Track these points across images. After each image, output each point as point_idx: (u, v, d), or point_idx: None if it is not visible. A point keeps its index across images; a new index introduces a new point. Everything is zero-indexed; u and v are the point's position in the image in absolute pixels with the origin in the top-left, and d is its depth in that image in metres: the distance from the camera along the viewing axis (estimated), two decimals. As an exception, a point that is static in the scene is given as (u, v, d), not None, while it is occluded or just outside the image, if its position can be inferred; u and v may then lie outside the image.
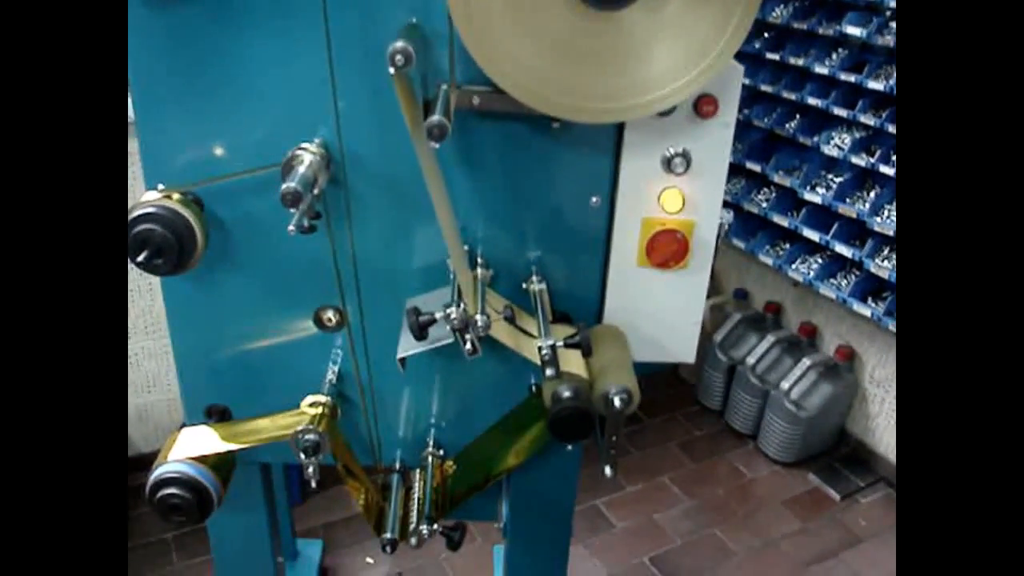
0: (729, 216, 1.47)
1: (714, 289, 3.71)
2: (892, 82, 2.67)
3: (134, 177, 2.13)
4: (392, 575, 2.58)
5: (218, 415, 1.53)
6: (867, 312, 2.83)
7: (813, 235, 2.98)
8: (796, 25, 3.06)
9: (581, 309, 1.49)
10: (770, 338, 3.32)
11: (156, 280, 1.71)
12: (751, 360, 3.32)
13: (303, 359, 1.50)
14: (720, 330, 3.49)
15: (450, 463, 1.60)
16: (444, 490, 1.55)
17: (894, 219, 2.72)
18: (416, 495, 1.55)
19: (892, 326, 2.75)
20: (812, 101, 2.97)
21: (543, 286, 1.42)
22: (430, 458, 1.59)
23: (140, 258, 1.21)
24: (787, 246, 3.22)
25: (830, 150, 2.92)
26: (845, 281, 3.00)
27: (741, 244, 3.34)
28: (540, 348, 1.25)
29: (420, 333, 1.23)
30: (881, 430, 3.18)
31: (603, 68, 1.16)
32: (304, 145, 1.27)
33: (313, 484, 1.39)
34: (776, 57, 3.14)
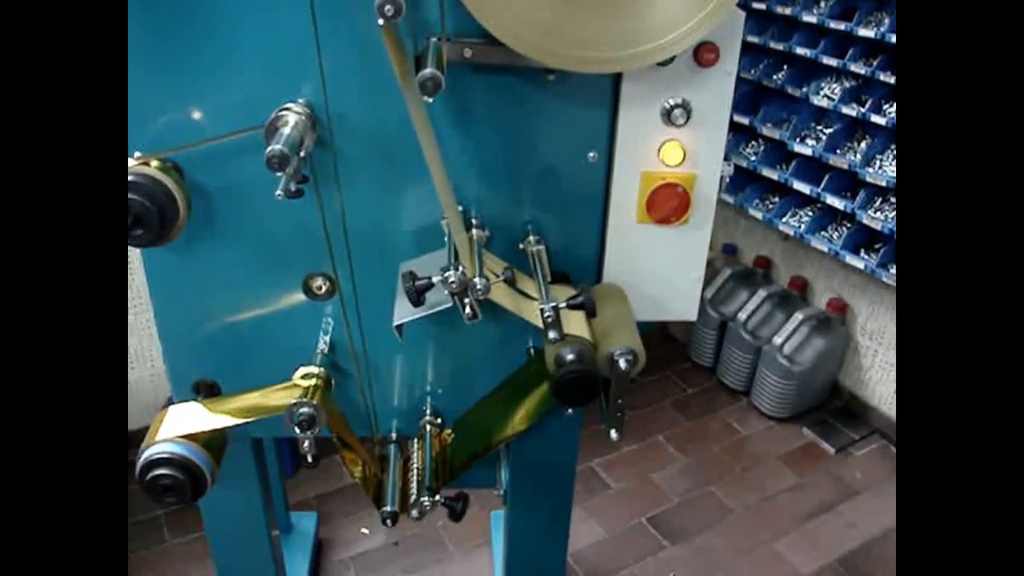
0: (729, 169, 1.41)
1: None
2: (883, 29, 2.62)
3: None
4: (389, 544, 2.55)
5: (206, 390, 1.48)
6: (860, 264, 2.80)
7: (804, 188, 2.94)
8: (783, -27, 3.00)
9: (580, 268, 1.45)
10: (761, 293, 3.29)
11: (136, 252, 1.64)
12: (742, 316, 3.29)
13: (293, 329, 1.45)
14: (710, 286, 3.46)
15: (448, 432, 1.56)
16: (444, 460, 1.51)
17: (887, 169, 2.69)
18: (415, 465, 1.51)
19: (886, 278, 2.73)
20: (800, 51, 2.91)
21: (541, 247, 1.37)
22: (428, 427, 1.55)
23: (119, 229, 1.14)
24: (777, 199, 3.18)
25: (820, 101, 2.87)
26: (836, 233, 2.97)
27: (730, 198, 3.30)
28: (543, 310, 1.20)
29: (417, 299, 1.18)
30: (874, 382, 3.17)
31: (604, 16, 1.11)
32: (288, 105, 1.21)
33: (309, 459, 1.35)
34: (762, 6, 3.07)
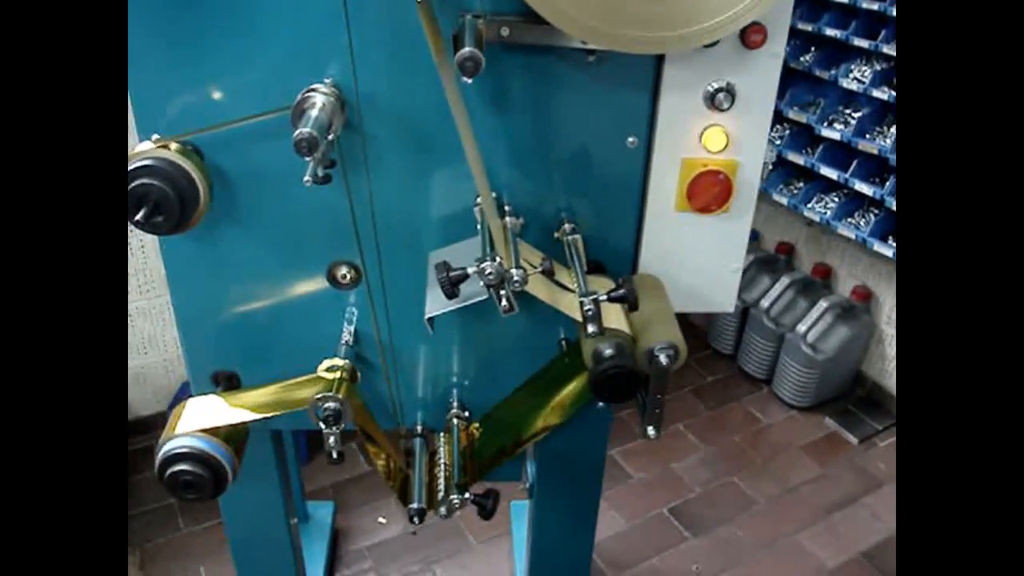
0: (772, 155, 1.36)
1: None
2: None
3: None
4: (406, 534, 2.51)
5: (226, 381, 1.43)
6: (888, 252, 2.73)
7: (831, 173, 2.87)
8: (812, -50, 2.91)
9: (615, 258, 1.39)
10: (784, 280, 3.22)
11: (151, 236, 1.59)
12: (765, 303, 3.23)
13: (316, 319, 1.40)
14: (731, 273, 3.39)
15: (476, 426, 1.51)
16: (471, 454, 1.46)
17: (918, 154, 2.61)
18: (442, 460, 1.46)
19: (915, 266, 2.66)
20: (830, 32, 2.83)
21: (578, 236, 1.31)
22: (455, 420, 1.50)
23: (139, 216, 1.09)
24: (802, 185, 3.10)
25: (849, 83, 2.79)
26: (864, 220, 2.90)
27: (753, 184, 3.23)
28: (582, 303, 1.15)
29: (452, 290, 1.12)
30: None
31: (653, -9, 1.04)
32: (315, 86, 1.15)
33: (335, 455, 1.30)
34: (790, -14, 2.98)
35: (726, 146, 1.29)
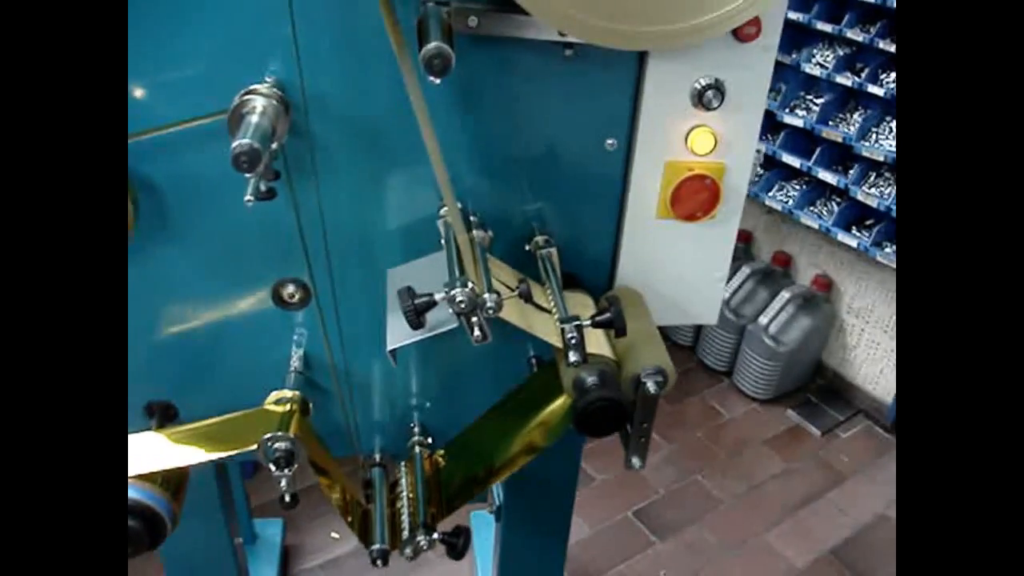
0: (760, 156, 1.25)
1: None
2: (884, -8, 2.46)
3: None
4: (361, 549, 2.37)
5: (161, 412, 1.28)
6: (853, 243, 2.67)
7: (793, 161, 2.79)
8: (771, -70, 2.81)
9: (590, 270, 1.27)
10: (745, 270, 3.15)
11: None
12: (725, 294, 3.15)
13: (261, 342, 1.26)
14: (689, 263, 3.31)
15: (441, 453, 1.38)
16: (437, 485, 1.34)
17: (883, 143, 2.55)
18: (404, 493, 1.33)
19: (880, 256, 2.60)
20: (792, 15, 2.74)
21: (552, 248, 1.19)
22: (417, 448, 1.37)
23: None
24: (762, 172, 3.03)
25: (811, 69, 2.71)
26: (827, 209, 2.83)
27: (712, 171, 3.14)
28: (563, 329, 1.02)
29: (417, 320, 0.99)
30: (859, 361, 3.07)
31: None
32: (254, 87, 1.00)
33: (287, 498, 1.16)
34: (749, -34, 2.88)
35: (714, 148, 1.18)
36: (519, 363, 1.33)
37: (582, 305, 1.21)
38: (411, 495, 1.33)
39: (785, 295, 3.00)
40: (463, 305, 0.96)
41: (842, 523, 2.59)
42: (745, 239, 3.32)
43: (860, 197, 2.60)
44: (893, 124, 2.53)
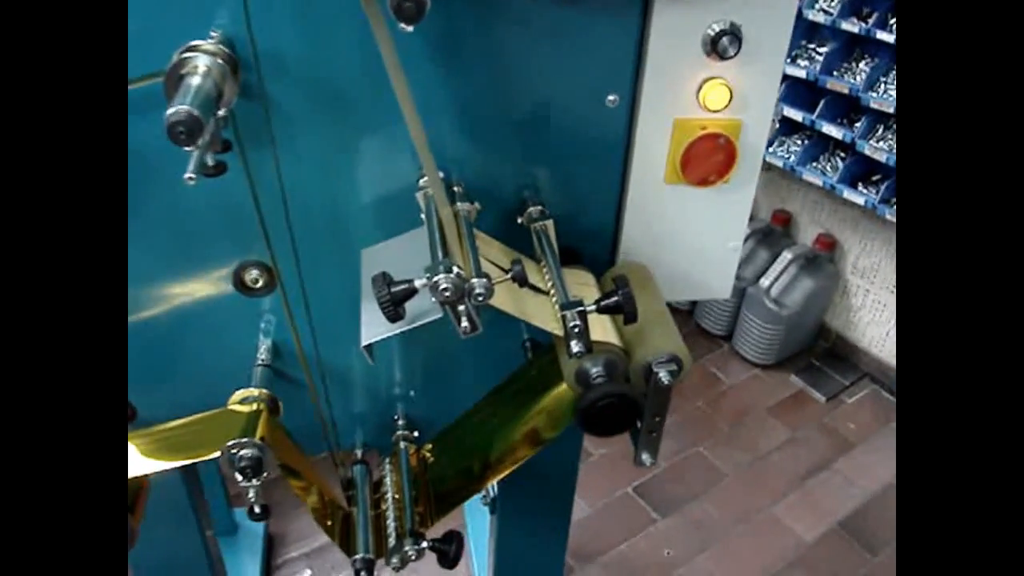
0: (780, 110, 1.11)
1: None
2: (892, -69, 2.30)
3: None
4: (350, 535, 2.26)
5: (117, 412, 1.14)
6: (860, 200, 2.54)
7: (795, 114, 2.64)
8: None
9: (591, 242, 1.14)
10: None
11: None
12: (723, 256, 3.02)
13: (224, 333, 1.13)
14: (686, 224, 3.17)
15: (428, 447, 1.25)
16: (425, 485, 1.21)
17: (892, 93, 2.40)
18: (389, 494, 1.21)
19: (888, 214, 2.47)
20: (792, -42, 2.57)
21: (548, 221, 1.05)
22: (401, 443, 1.24)
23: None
24: (761, 128, 2.88)
25: (814, 15, 2.55)
26: (831, 165, 2.69)
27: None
28: (564, 317, 0.89)
29: (395, 312, 0.85)
30: (864, 323, 2.96)
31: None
32: (196, 43, 0.84)
33: (257, 509, 1.04)
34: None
35: (729, 103, 1.04)
36: (514, 347, 1.20)
37: (583, 284, 1.07)
38: (397, 496, 1.20)
39: (787, 256, 2.87)
40: (447, 294, 0.83)
41: (850, 494, 2.49)
42: (743, 198, 3.18)
43: (867, 151, 2.46)
44: (902, 73, 2.38)
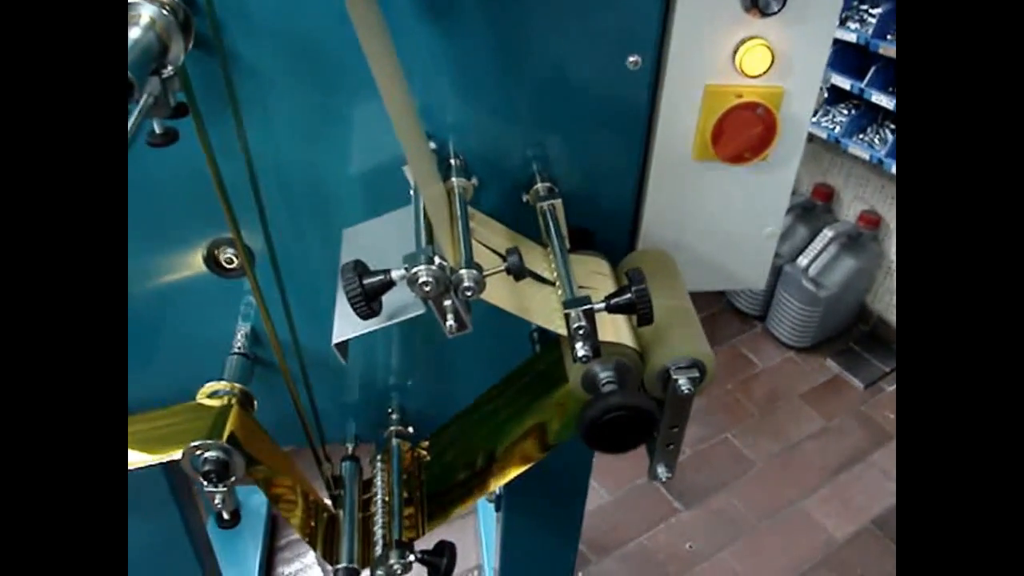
0: (828, 77, 0.97)
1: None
2: None
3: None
4: (357, 516, 2.18)
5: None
6: (909, 176, 2.36)
7: (842, 82, 2.46)
8: None
9: (607, 224, 1.01)
10: (782, 205, 2.85)
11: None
12: (759, 232, 2.87)
13: (198, 317, 1.02)
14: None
15: (424, 445, 1.14)
16: (419, 486, 1.10)
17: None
18: (379, 495, 1.10)
19: (940, 192, 2.29)
20: (846, -88, 2.38)
21: (557, 200, 0.92)
22: (394, 441, 1.13)
23: None
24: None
25: (867, -27, 2.36)
26: (878, 137, 2.52)
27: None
28: (568, 315, 0.76)
29: (368, 308, 0.73)
30: (908, 306, 2.78)
31: None
32: (139, -13, 0.72)
33: (225, 516, 0.93)
34: None
35: (770, 67, 0.90)
36: (522, 335, 1.08)
37: (595, 272, 0.95)
38: (387, 499, 1.09)
39: (828, 233, 2.70)
40: (428, 289, 0.70)
41: (887, 490, 2.34)
42: (783, 170, 3.02)
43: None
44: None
